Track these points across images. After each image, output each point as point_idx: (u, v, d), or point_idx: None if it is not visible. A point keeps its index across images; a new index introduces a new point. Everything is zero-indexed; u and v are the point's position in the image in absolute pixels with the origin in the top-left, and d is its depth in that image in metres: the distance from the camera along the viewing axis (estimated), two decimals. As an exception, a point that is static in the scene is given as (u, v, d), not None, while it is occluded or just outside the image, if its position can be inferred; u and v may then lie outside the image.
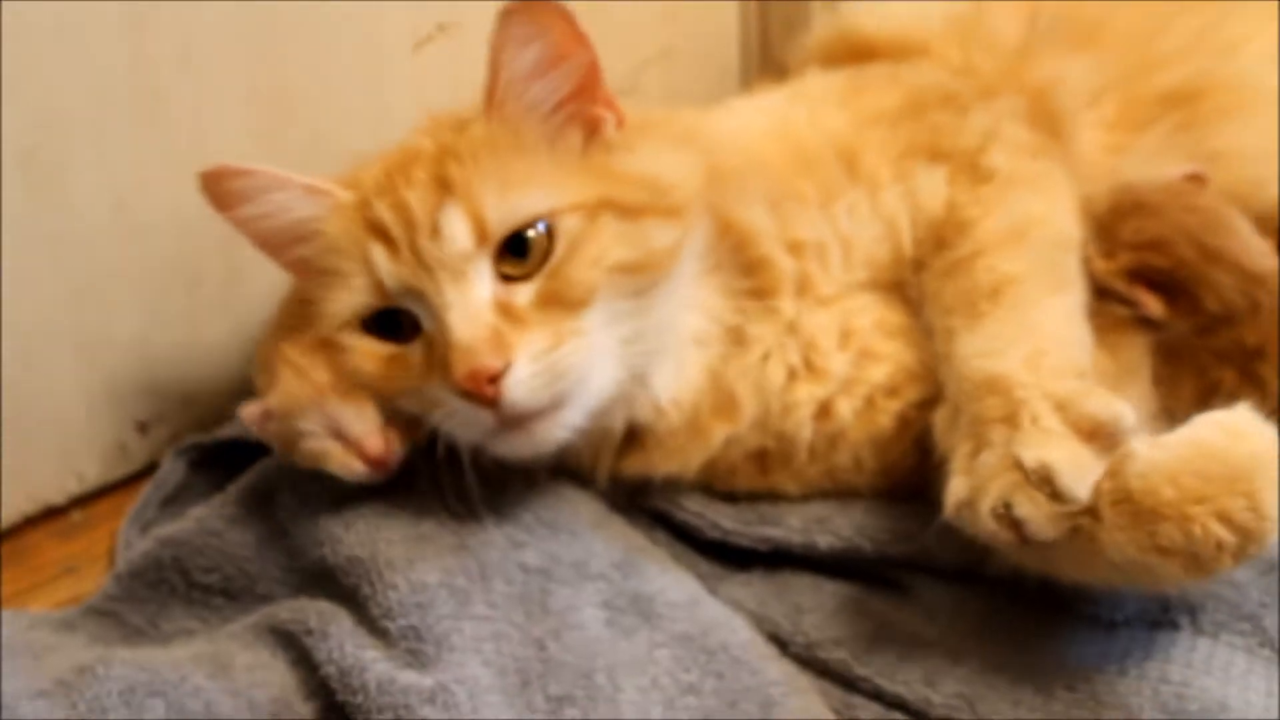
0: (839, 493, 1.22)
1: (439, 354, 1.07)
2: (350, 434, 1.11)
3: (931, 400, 1.17)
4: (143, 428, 1.37)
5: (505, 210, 1.08)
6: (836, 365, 1.20)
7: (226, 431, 1.35)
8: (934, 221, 1.20)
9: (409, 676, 0.99)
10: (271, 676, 1.04)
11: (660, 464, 1.21)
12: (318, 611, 1.06)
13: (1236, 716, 0.99)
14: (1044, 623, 1.10)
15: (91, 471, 1.36)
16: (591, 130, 1.17)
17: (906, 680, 1.06)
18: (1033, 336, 1.07)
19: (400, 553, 1.08)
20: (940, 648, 1.08)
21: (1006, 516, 0.97)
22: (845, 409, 1.20)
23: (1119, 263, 1.20)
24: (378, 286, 1.10)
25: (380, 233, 1.10)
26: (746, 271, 1.20)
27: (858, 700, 1.07)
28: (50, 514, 1.35)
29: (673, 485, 1.24)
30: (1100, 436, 0.97)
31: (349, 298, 1.12)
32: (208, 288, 1.37)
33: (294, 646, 1.06)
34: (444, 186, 1.09)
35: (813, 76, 1.38)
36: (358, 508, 1.13)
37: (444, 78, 1.37)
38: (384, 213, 1.10)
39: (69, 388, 1.31)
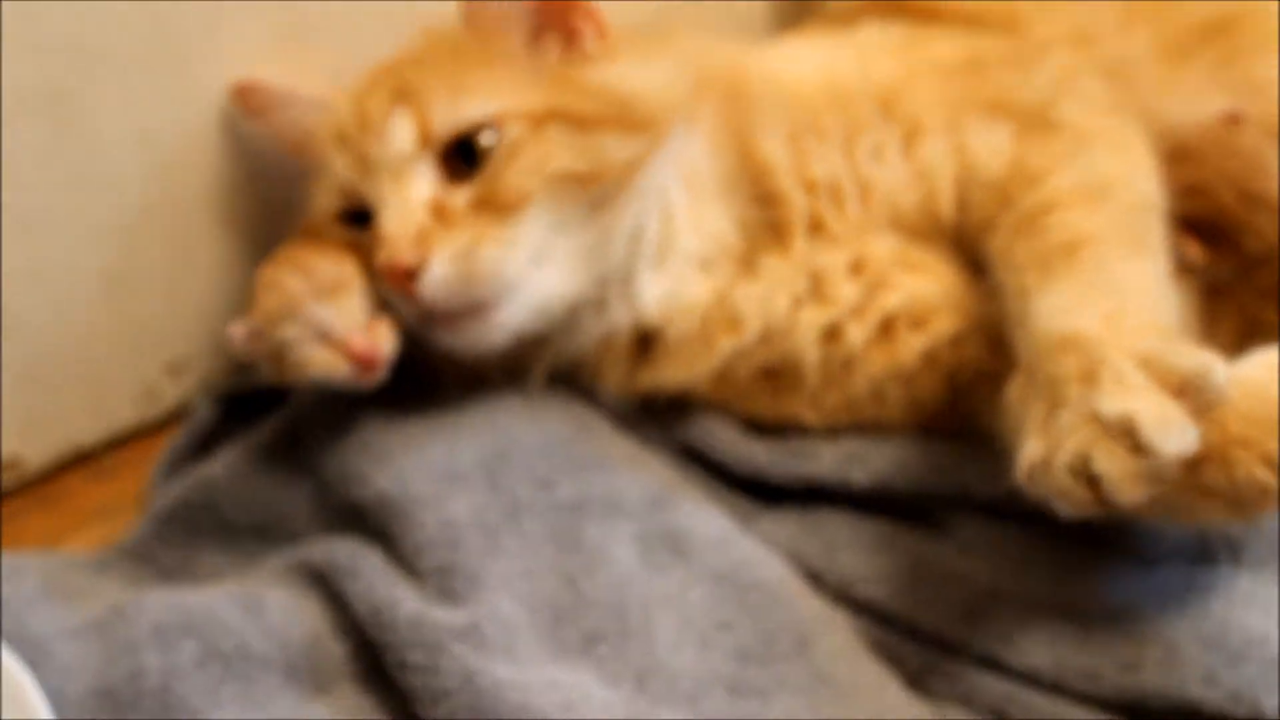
0: (866, 426, 1.21)
1: (377, 244, 1.13)
2: (334, 333, 1.11)
3: (964, 338, 1.16)
4: (174, 370, 1.37)
5: (450, 114, 1.13)
6: (845, 292, 1.18)
7: (260, 382, 1.34)
8: (996, 180, 1.16)
9: (440, 614, 0.99)
10: (304, 616, 1.04)
11: (670, 374, 1.22)
12: (348, 550, 1.06)
13: (1278, 651, 0.98)
14: (1082, 559, 1.08)
15: (123, 414, 1.35)
16: (570, 41, 1.19)
17: (943, 616, 1.05)
18: (1112, 295, 1.00)
19: (429, 490, 1.08)
20: (977, 584, 1.07)
21: (1084, 473, 0.89)
22: (854, 334, 1.18)
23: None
24: (337, 188, 1.18)
25: (340, 137, 1.17)
26: (763, 203, 1.20)
27: (893, 638, 1.06)
28: (82, 457, 1.35)
29: (687, 403, 1.24)
30: (1189, 393, 0.89)
31: (322, 199, 1.20)
32: (240, 226, 1.35)
33: (325, 585, 1.06)
34: (399, 92, 1.15)
35: (870, 27, 1.34)
36: (387, 444, 1.13)
37: None
38: (345, 118, 1.17)
39: (99, 329, 1.30)
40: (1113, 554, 1.07)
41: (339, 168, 1.17)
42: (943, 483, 1.14)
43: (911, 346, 1.18)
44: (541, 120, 1.14)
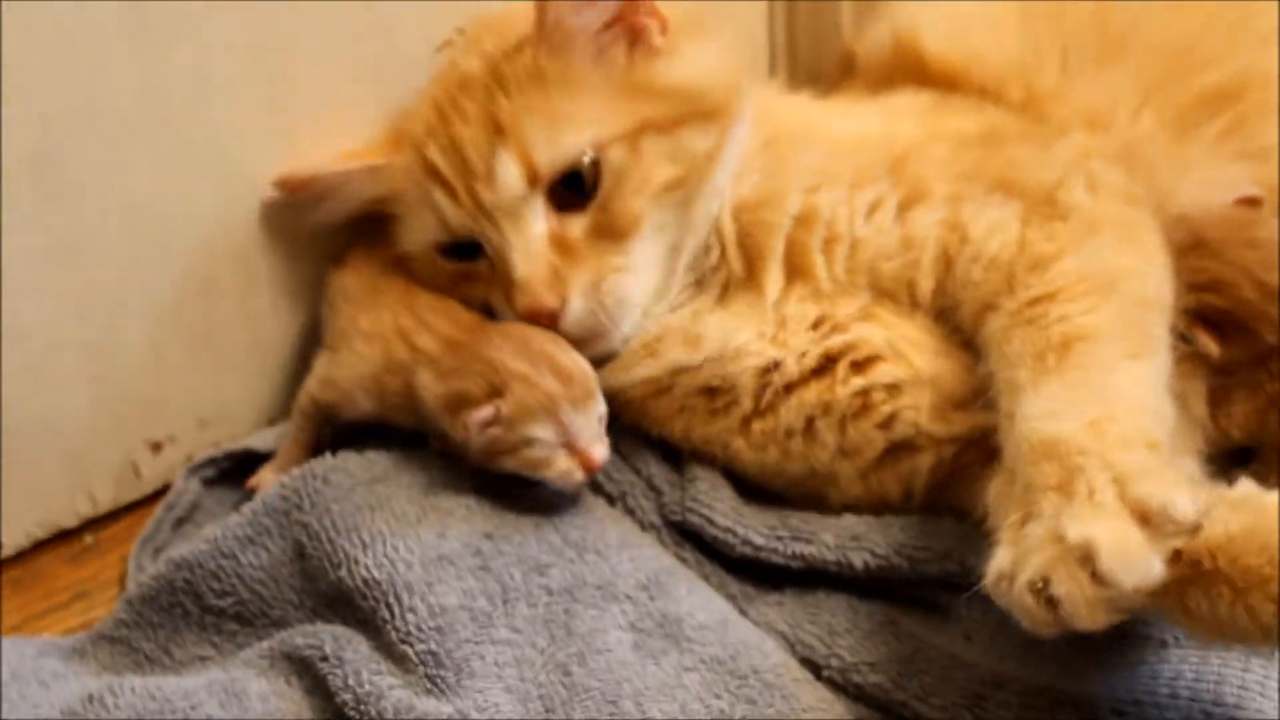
0: (796, 468, 1.20)
1: (503, 281, 1.19)
2: (578, 442, 1.12)
3: (903, 388, 1.16)
4: (156, 447, 1.33)
5: (553, 151, 1.16)
6: (800, 340, 1.19)
7: (238, 445, 1.32)
8: (1000, 260, 1.14)
9: (428, 704, 0.96)
10: (286, 705, 1.01)
11: (607, 376, 1.21)
12: (334, 636, 1.03)
13: (1295, 742, 0.95)
14: (1090, 643, 1.03)
15: (103, 493, 1.32)
16: (635, 39, 1.21)
17: (946, 704, 1.02)
18: (1102, 401, 0.98)
19: (419, 574, 1.05)
20: (981, 670, 1.04)
21: (1044, 593, 0.86)
22: (792, 365, 1.18)
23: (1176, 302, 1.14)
24: (443, 225, 1.21)
25: (437, 176, 1.19)
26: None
27: (896, 726, 1.03)
28: (61, 537, 1.31)
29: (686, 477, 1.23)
30: (1152, 524, 0.87)
31: (420, 235, 1.23)
32: (224, 299, 1.33)
33: (309, 673, 1.02)
34: (494, 128, 1.17)
35: (904, 92, 1.33)
36: (376, 526, 1.10)
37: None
38: (437, 156, 1.19)
39: (78, 404, 1.27)
40: (1121, 638, 1.04)
41: (443, 207, 1.19)
42: (946, 565, 1.11)
43: (849, 384, 1.17)
44: (635, 136, 1.18)
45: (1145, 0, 1.32)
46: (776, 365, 1.19)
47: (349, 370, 1.22)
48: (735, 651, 1.04)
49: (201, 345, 1.33)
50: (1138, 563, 0.85)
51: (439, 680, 0.99)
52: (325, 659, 1.01)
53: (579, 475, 1.13)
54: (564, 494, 1.16)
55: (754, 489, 1.23)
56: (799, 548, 1.14)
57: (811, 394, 1.18)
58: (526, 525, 1.13)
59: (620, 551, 1.12)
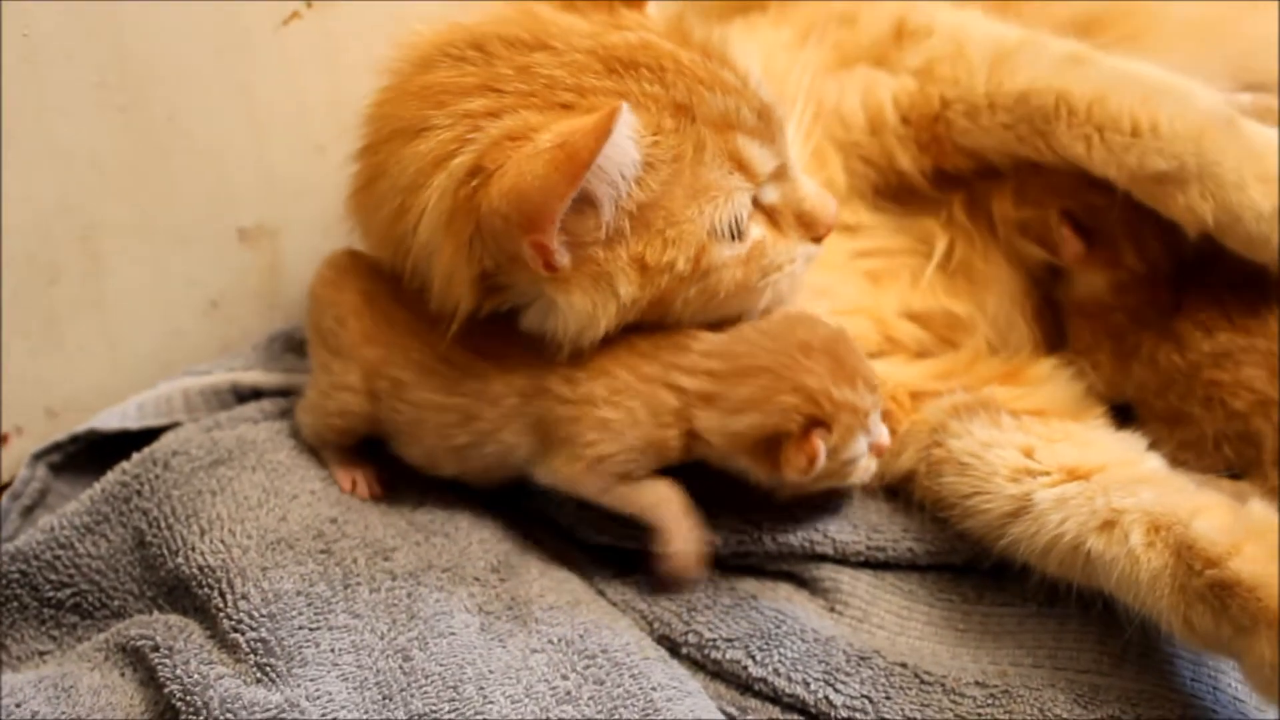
0: None
1: (795, 217, 1.08)
2: (875, 439, 1.08)
3: None
4: (3, 439, 1.29)
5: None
6: None
7: (82, 427, 1.25)
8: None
9: (256, 693, 0.92)
10: (118, 698, 0.97)
11: None
12: (167, 626, 0.99)
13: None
14: (958, 614, 1.05)
15: (-53, 486, 1.27)
16: None
17: (806, 679, 1.00)
18: None
19: (254, 560, 1.01)
20: (844, 644, 1.02)
21: None
22: None
23: (1056, 200, 1.16)
24: (753, 176, 1.04)
25: (730, 124, 1.03)
26: None
27: (753, 703, 1.01)
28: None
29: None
30: None
31: (730, 204, 1.03)
32: (68, 285, 1.28)
33: (143, 665, 0.99)
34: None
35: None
36: (215, 511, 1.06)
37: (311, 55, 1.29)
38: (720, 101, 1.02)
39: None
40: (986, 608, 1.05)
41: (756, 154, 1.04)
42: (809, 537, 1.09)
43: None
44: None
45: None
46: None
47: (621, 441, 1.05)
48: (584, 630, 1.01)
49: (46, 333, 1.28)
50: None
51: (269, 669, 0.95)
52: (156, 649, 0.97)
53: (875, 466, 1.09)
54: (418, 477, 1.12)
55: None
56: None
57: None
58: (373, 509, 1.10)
59: (470, 534, 1.09)
